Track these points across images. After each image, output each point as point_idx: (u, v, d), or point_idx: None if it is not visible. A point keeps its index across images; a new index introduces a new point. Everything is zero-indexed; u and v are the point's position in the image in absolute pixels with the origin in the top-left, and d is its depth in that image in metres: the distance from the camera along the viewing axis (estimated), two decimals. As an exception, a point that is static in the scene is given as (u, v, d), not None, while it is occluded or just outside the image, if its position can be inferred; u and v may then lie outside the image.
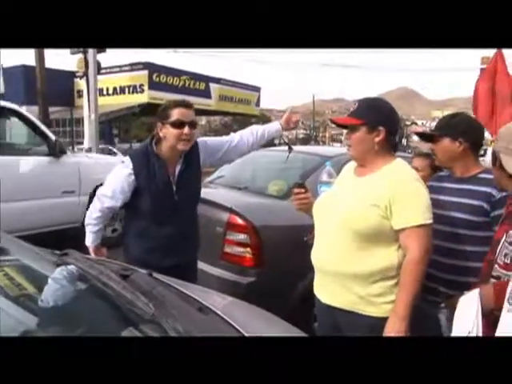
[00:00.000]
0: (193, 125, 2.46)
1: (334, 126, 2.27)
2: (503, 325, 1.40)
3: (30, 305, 1.47)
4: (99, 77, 14.85)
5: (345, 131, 2.11)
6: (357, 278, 1.94)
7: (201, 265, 3.03)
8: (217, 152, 2.72)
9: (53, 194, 5.48)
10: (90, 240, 2.58)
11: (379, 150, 1.99)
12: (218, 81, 23.25)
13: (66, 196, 5.62)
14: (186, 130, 2.41)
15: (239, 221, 3.13)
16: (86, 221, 2.58)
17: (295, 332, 1.70)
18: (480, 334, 1.46)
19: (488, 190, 2.09)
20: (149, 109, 18.63)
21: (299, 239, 3.17)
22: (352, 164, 2.17)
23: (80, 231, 2.73)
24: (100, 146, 14.27)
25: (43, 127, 5.68)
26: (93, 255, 2.52)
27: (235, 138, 2.77)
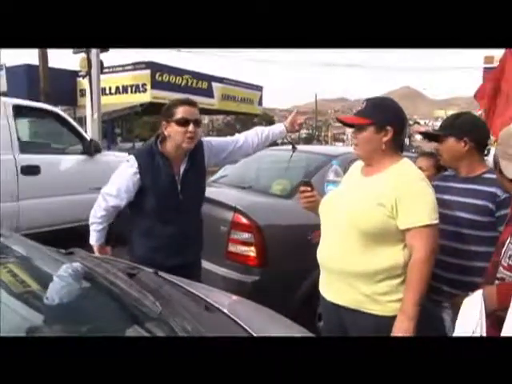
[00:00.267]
0: (197, 123, 2.47)
1: (336, 125, 2.28)
2: (509, 325, 1.40)
3: (35, 302, 1.47)
4: (102, 76, 14.85)
5: (347, 130, 2.12)
6: (362, 277, 1.94)
7: (205, 264, 3.03)
8: (221, 152, 2.72)
9: (88, 191, 5.62)
10: (94, 239, 2.58)
11: (386, 149, 1.99)
12: (220, 80, 23.22)
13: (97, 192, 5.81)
14: (191, 127, 2.42)
15: (243, 220, 3.13)
16: (91, 220, 2.59)
17: (300, 331, 1.70)
18: (484, 334, 1.46)
19: (493, 189, 2.09)
20: (151, 108, 18.64)
21: (303, 238, 3.18)
22: (359, 163, 2.17)
23: (85, 230, 2.74)
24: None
25: (79, 128, 6.14)
26: (97, 254, 2.53)
27: (240, 138, 2.78)
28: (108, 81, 18.96)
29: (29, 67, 19.10)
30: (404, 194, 1.89)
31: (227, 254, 3.22)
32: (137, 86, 19.97)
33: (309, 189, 2.19)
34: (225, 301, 1.70)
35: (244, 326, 1.43)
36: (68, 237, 4.82)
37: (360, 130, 2.00)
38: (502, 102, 4.60)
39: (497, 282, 1.69)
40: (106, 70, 16.78)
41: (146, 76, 19.61)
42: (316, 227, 2.30)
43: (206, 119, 42.64)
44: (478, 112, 4.80)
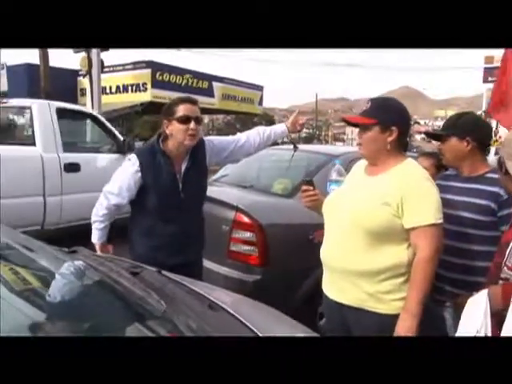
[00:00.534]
0: (198, 120, 2.48)
1: (336, 124, 2.28)
2: (509, 325, 1.40)
3: (38, 301, 1.47)
4: (102, 75, 14.83)
5: (347, 130, 2.13)
6: (366, 276, 1.95)
7: (206, 263, 3.04)
8: (223, 151, 2.73)
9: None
10: (96, 237, 2.59)
11: (391, 149, 1.99)
12: (221, 80, 23.19)
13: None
14: (192, 125, 2.43)
15: (245, 219, 3.13)
16: (93, 218, 2.59)
17: (303, 330, 1.71)
18: (489, 334, 1.46)
19: (495, 189, 2.09)
20: (151, 107, 18.61)
21: (305, 237, 3.19)
22: (362, 162, 2.17)
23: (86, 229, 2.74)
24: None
25: (113, 129, 6.74)
26: (99, 252, 2.53)
27: (242, 138, 2.78)
28: (108, 80, 18.92)
29: (29, 66, 19.08)
30: (410, 193, 1.90)
31: (229, 253, 3.22)
32: (137, 86, 19.94)
33: (311, 188, 2.19)
34: (228, 299, 1.71)
35: (249, 325, 1.43)
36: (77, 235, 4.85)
37: (365, 129, 2.00)
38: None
39: (501, 282, 1.68)
40: (107, 69, 16.75)
41: (146, 75, 19.58)
42: (317, 226, 2.30)
43: (206, 119, 42.63)
44: (478, 112, 4.83)
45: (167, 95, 17.36)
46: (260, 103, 26.81)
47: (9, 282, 1.48)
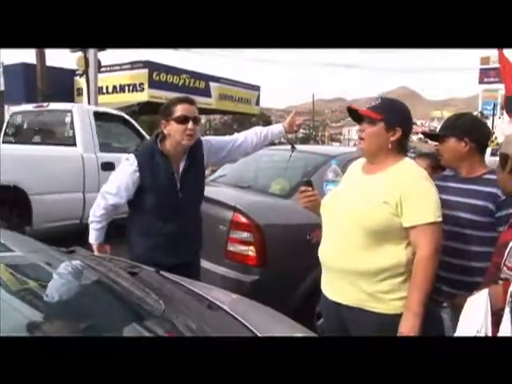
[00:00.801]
0: (196, 120, 2.49)
1: (333, 125, 2.28)
2: (505, 325, 1.41)
3: (37, 301, 1.47)
4: (99, 75, 14.79)
5: (344, 130, 2.12)
6: (365, 275, 1.95)
7: (204, 263, 3.04)
8: (221, 151, 2.73)
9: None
10: (93, 237, 2.58)
11: (392, 149, 2.00)
12: (218, 80, 23.16)
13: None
14: (190, 125, 2.44)
15: (243, 219, 3.13)
16: (90, 218, 2.59)
17: (301, 330, 1.71)
18: (489, 334, 1.46)
19: (494, 190, 2.09)
20: (148, 107, 18.58)
21: (302, 238, 3.19)
22: (359, 162, 2.17)
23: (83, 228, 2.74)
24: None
25: (141, 130, 7.22)
26: (96, 252, 2.52)
27: (239, 138, 2.79)
28: (105, 80, 18.87)
29: (25, 66, 19.03)
30: (409, 191, 1.90)
31: (226, 254, 3.22)
32: (134, 86, 19.89)
33: (310, 188, 2.19)
34: (227, 299, 1.71)
35: (248, 326, 1.43)
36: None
37: (370, 123, 2.00)
38: None
39: (500, 282, 1.69)
40: (104, 69, 16.73)
41: (143, 75, 19.54)
42: (315, 227, 2.30)
43: (203, 119, 42.60)
44: (475, 113, 4.88)
45: (164, 95, 17.32)
46: (257, 103, 26.79)
47: (7, 282, 1.48)
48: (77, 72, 15.86)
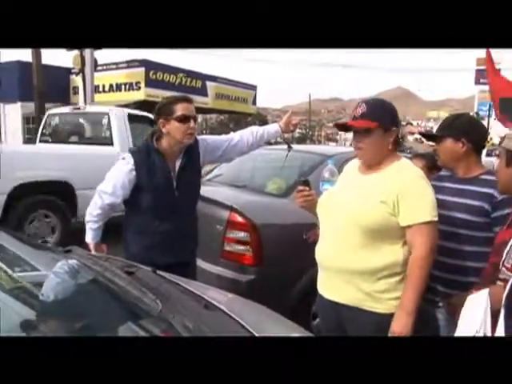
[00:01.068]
0: (195, 118, 2.51)
1: (329, 125, 2.27)
2: (500, 327, 1.41)
3: (33, 301, 1.46)
4: (95, 73, 14.76)
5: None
6: (362, 275, 1.96)
7: (200, 263, 3.04)
8: (216, 150, 2.74)
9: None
10: (90, 237, 2.57)
11: (391, 149, 2.02)
12: (214, 79, 23.17)
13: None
14: (191, 124, 2.46)
15: (239, 219, 3.13)
16: (87, 218, 2.58)
17: (297, 329, 1.71)
18: (488, 334, 1.47)
19: (490, 191, 2.10)
20: (145, 106, 18.55)
21: (299, 237, 3.19)
22: (355, 162, 2.18)
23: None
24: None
25: None
26: (93, 252, 2.52)
27: (235, 137, 2.80)
28: (101, 78, 18.84)
29: (21, 64, 18.98)
30: (406, 190, 1.92)
31: (223, 253, 3.21)
32: (131, 84, 19.89)
33: (307, 188, 2.19)
34: (224, 299, 1.71)
35: (245, 325, 1.43)
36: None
37: (366, 133, 1.99)
38: None
39: (499, 282, 1.69)
40: (100, 68, 16.69)
41: (140, 74, 19.54)
42: (312, 226, 2.30)
43: (199, 118, 42.58)
44: (471, 113, 4.92)
45: (161, 94, 17.30)
46: (253, 103, 26.82)
47: (2, 282, 1.48)
48: (73, 70, 15.83)
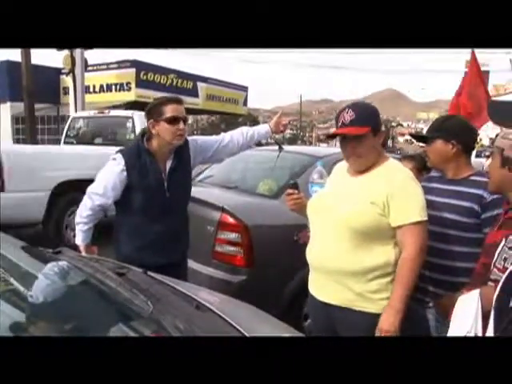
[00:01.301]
0: (185, 120, 2.49)
1: (320, 126, 2.27)
2: (489, 329, 1.42)
3: (21, 302, 1.45)
4: (86, 74, 14.67)
5: (331, 131, 2.11)
6: (354, 276, 1.97)
7: (191, 264, 3.03)
8: (207, 151, 2.73)
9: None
10: (80, 239, 2.54)
11: (378, 150, 2.04)
12: (205, 80, 23.13)
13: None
14: (181, 125, 2.44)
15: (231, 220, 3.13)
16: (77, 219, 2.56)
17: (288, 330, 1.71)
18: (480, 335, 1.47)
19: (479, 192, 2.12)
20: (135, 107, 18.47)
21: (290, 238, 3.19)
22: (343, 164, 2.19)
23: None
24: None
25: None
26: (84, 254, 2.50)
27: (226, 137, 2.80)
28: (92, 79, 18.72)
29: (10, 63, 18.82)
30: (395, 191, 1.93)
31: (214, 254, 3.21)
32: (121, 85, 19.78)
33: (296, 191, 2.21)
34: (215, 300, 1.70)
35: (236, 326, 1.43)
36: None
37: (358, 140, 1.98)
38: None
39: (490, 283, 1.70)
40: (90, 68, 16.61)
41: (130, 74, 19.44)
42: (303, 227, 2.31)
43: (190, 119, 42.49)
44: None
45: (151, 95, 17.24)
46: (244, 104, 26.81)
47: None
48: (63, 71, 15.70)
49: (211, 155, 2.76)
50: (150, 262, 2.31)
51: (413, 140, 2.72)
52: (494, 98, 5.21)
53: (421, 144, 2.58)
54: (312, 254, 2.12)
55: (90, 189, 2.53)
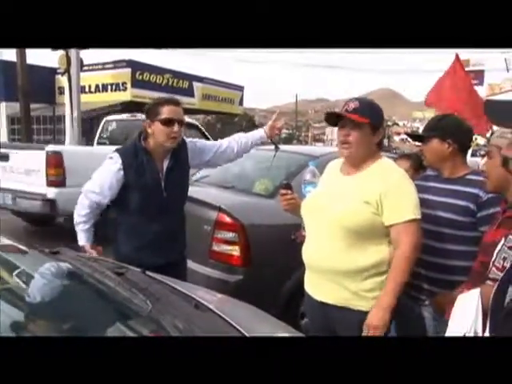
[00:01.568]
0: (181, 122, 2.48)
1: (316, 125, 2.27)
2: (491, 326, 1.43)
3: (20, 301, 1.45)
4: (81, 74, 14.60)
5: (327, 130, 2.12)
6: (349, 275, 1.98)
7: (189, 263, 3.02)
8: (205, 154, 2.74)
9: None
10: (83, 239, 2.53)
11: (375, 150, 2.04)
12: (201, 79, 23.06)
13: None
14: (176, 127, 2.44)
15: (227, 219, 3.13)
16: (75, 220, 2.55)
17: (286, 329, 1.72)
18: (479, 334, 1.48)
19: (475, 191, 2.13)
20: (131, 107, 18.41)
21: (286, 237, 3.19)
22: (336, 163, 2.19)
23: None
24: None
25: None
26: (91, 254, 2.47)
27: (223, 143, 2.81)
28: (87, 79, 18.64)
29: (5, 63, 18.72)
30: (389, 190, 1.94)
31: (211, 254, 3.21)
32: (117, 85, 19.70)
33: (289, 191, 2.21)
34: (213, 299, 1.71)
35: (235, 325, 1.43)
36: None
37: (356, 128, 1.99)
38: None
39: (489, 282, 1.71)
40: (86, 68, 16.52)
41: (126, 74, 19.37)
42: (299, 226, 2.32)
43: (186, 119, 42.29)
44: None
45: (147, 95, 17.23)
46: (240, 103, 26.76)
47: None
48: (58, 70, 15.62)
49: (208, 159, 2.76)
50: (148, 262, 2.31)
51: (409, 139, 2.73)
52: (489, 97, 5.20)
53: (417, 143, 2.59)
54: (307, 253, 2.13)
55: (87, 187, 2.53)
